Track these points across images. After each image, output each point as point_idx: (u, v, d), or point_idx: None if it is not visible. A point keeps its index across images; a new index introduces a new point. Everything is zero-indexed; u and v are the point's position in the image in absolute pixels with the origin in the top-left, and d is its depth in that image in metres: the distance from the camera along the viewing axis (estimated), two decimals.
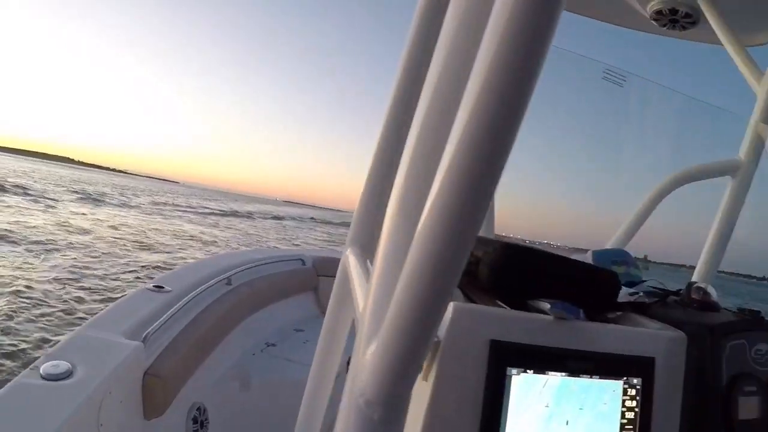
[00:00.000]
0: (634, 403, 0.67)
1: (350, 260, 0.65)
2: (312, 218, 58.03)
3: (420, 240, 0.31)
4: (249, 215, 43.27)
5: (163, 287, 1.71)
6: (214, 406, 1.65)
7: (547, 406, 0.64)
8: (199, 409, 1.56)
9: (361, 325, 0.39)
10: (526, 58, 0.26)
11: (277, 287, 2.67)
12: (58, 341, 1.17)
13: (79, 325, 1.76)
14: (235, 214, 41.69)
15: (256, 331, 2.28)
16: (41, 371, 0.99)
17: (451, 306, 0.60)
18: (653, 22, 1.61)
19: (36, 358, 1.12)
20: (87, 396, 0.94)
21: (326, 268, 3.19)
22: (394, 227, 0.39)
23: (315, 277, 3.11)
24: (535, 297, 0.70)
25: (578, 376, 0.65)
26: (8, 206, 15.63)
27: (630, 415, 0.67)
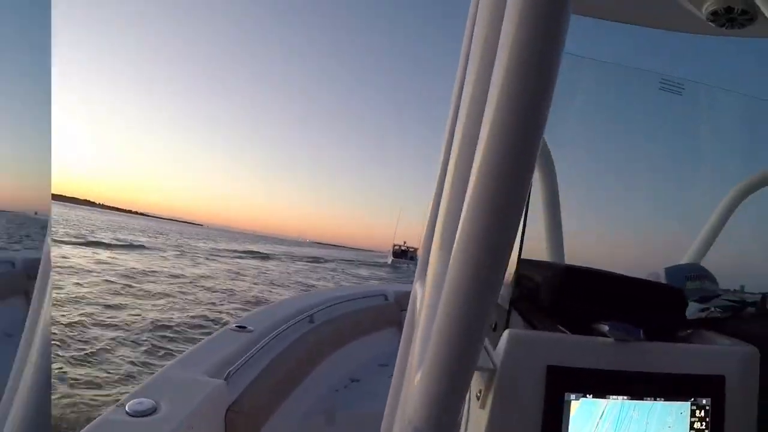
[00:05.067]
0: (703, 425, 0.62)
1: (417, 292, 0.66)
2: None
3: (454, 267, 0.30)
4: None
5: (245, 327, 1.76)
6: None
7: None
8: None
9: (412, 355, 0.39)
10: (539, 65, 0.26)
11: (360, 323, 2.67)
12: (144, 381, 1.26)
13: None
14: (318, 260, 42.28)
15: (340, 368, 2.29)
16: (126, 408, 1.02)
17: (506, 333, 0.59)
18: (710, 23, 1.54)
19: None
20: (170, 431, 0.98)
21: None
22: (435, 256, 0.39)
23: (398, 312, 3.12)
24: (598, 320, 0.66)
25: (641, 399, 0.61)
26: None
27: None
